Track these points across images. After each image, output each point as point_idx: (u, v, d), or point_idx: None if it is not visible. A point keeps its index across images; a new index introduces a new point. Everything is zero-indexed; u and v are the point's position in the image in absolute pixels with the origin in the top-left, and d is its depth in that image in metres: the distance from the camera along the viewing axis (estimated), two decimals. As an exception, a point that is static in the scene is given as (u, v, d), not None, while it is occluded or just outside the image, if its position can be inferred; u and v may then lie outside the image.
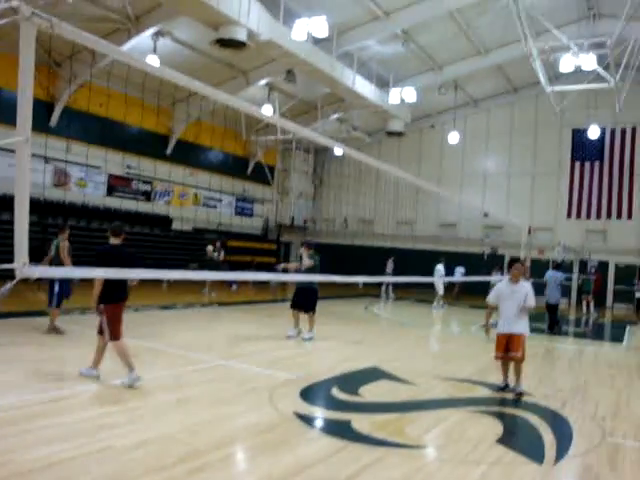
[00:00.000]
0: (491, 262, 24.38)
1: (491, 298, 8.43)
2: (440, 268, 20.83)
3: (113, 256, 7.16)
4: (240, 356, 9.55)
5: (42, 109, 21.48)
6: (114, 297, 7.08)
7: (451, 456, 5.41)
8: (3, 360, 7.91)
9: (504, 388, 8.05)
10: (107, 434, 5.25)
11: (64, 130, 22.47)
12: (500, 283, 8.46)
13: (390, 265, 23.41)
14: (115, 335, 7.10)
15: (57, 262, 10.06)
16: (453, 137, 29.82)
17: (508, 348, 7.88)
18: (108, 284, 6.88)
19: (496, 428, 6.28)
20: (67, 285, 10.36)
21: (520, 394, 7.79)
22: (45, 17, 2.40)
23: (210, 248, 21.02)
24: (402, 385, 8.19)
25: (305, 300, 11.74)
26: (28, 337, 9.83)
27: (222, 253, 21.43)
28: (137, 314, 14.14)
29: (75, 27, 2.70)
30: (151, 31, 20.15)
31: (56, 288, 10.14)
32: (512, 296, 7.99)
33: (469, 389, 8.23)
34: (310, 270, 11.33)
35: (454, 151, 31.41)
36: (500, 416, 6.81)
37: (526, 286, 8.15)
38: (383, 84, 26.70)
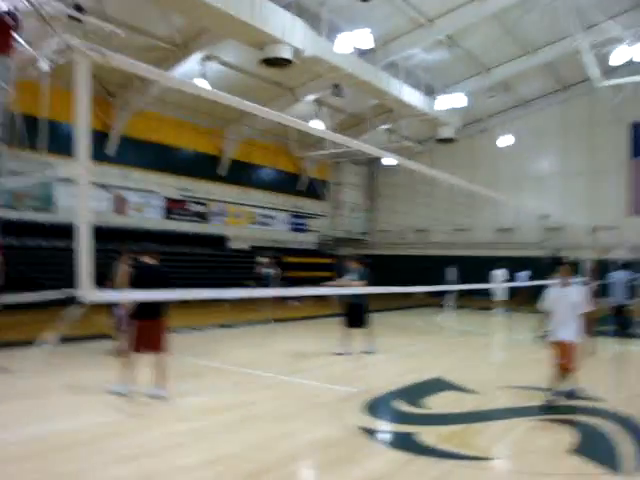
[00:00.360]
0: (552, 265, 23.72)
1: (543, 303, 7.89)
2: (499, 273, 20.41)
3: (149, 275, 7.66)
4: (301, 372, 9.56)
5: (99, 138, 22.23)
6: (143, 313, 7.41)
7: (523, 467, 5.25)
8: (72, 383, 8.13)
9: (571, 393, 7.76)
10: (175, 454, 5.33)
11: (120, 158, 23.16)
12: (552, 287, 7.89)
13: (452, 273, 23.10)
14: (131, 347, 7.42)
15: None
16: (505, 140, 29.30)
17: (564, 357, 7.41)
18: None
19: (568, 437, 6.06)
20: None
21: (572, 393, 7.69)
22: (99, 50, 2.47)
23: (261, 260, 20.54)
24: (467, 395, 8.03)
25: (356, 317, 11.41)
26: (95, 359, 10.10)
27: (276, 269, 21.23)
28: (198, 334, 14.38)
29: (127, 57, 2.78)
30: (198, 56, 20.63)
31: (119, 312, 10.32)
32: (562, 300, 7.51)
33: (536, 397, 7.99)
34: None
35: (507, 154, 30.82)
36: (572, 424, 6.56)
37: (579, 289, 7.73)
38: (431, 91, 26.51)
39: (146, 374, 7.35)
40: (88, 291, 2.45)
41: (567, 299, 7.43)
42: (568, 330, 7.39)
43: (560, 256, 27.19)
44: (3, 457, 5.03)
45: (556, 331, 7.48)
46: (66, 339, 9.77)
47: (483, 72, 26.21)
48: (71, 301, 7.60)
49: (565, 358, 7.33)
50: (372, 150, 4.50)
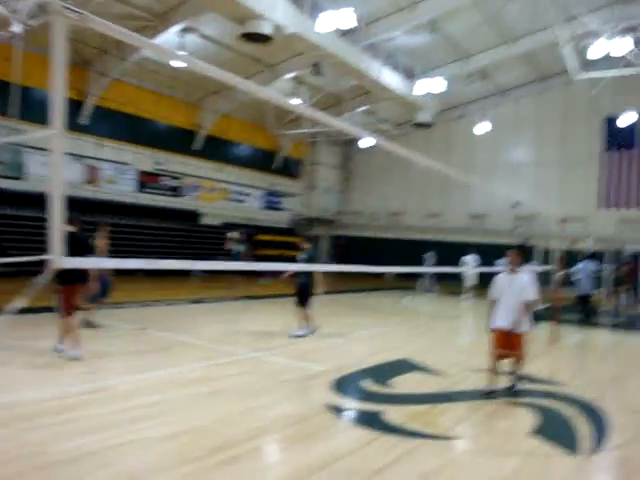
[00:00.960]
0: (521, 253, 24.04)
1: (492, 292, 7.37)
2: (469, 260, 20.66)
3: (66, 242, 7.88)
4: (270, 349, 9.59)
5: (72, 107, 21.79)
6: (70, 279, 7.72)
7: (484, 447, 5.37)
8: (37, 353, 8.05)
9: (490, 394, 7.04)
10: (140, 425, 5.32)
11: (94, 128, 22.77)
12: (500, 274, 7.41)
13: (430, 258, 23.30)
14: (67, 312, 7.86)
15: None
16: (481, 127, 29.49)
17: (507, 347, 7.04)
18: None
19: (529, 419, 6.20)
20: (105, 283, 10.61)
21: (512, 389, 7.24)
22: (76, 10, 2.42)
23: (231, 236, 19.50)
24: (433, 377, 8.15)
25: (300, 295, 11.30)
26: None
27: (246, 246, 20.85)
28: (168, 308, 14.32)
29: (105, 21, 2.72)
30: (177, 27, 20.29)
31: (104, 282, 10.50)
32: (510, 288, 7.09)
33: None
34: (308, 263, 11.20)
35: (483, 142, 31.04)
36: (533, 407, 6.71)
37: (525, 277, 7.25)
38: (410, 75, 26.48)
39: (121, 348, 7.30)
40: (59, 257, 2.42)
41: (514, 286, 7.06)
42: (512, 318, 6.97)
43: (528, 244, 27.66)
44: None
45: (500, 318, 7.08)
46: (32, 309, 9.68)
47: (463, 58, 26.26)
48: (40, 269, 7.55)
49: (519, 349, 7.03)
50: (353, 130, 4.50)
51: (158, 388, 6.67)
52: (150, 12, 19.61)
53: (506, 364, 7.31)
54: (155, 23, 19.84)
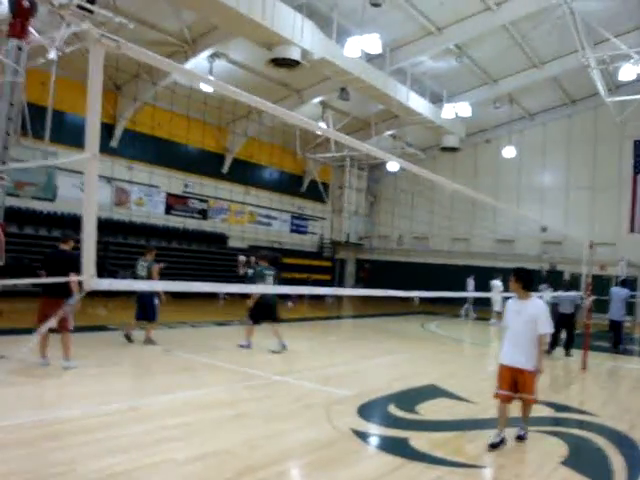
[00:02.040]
0: (549, 279, 23.76)
1: (504, 318, 6.53)
2: (498, 284, 20.43)
3: (56, 259, 8.57)
4: (295, 372, 9.56)
5: (103, 131, 22.20)
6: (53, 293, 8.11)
7: (513, 477, 5.24)
8: (63, 372, 8.12)
9: (498, 444, 5.94)
10: (166, 447, 5.32)
11: (124, 151, 23.17)
12: (510, 300, 6.44)
13: (471, 284, 23.04)
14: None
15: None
16: (509, 152, 29.36)
17: (516, 387, 6.05)
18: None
19: (560, 449, 6.06)
20: (151, 305, 11.12)
21: (522, 437, 6.20)
22: (112, 38, 2.48)
23: (242, 259, 17.01)
24: (460, 403, 8.03)
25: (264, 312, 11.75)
26: (93, 350, 10.09)
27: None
28: (193, 329, 14.38)
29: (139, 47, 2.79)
30: (207, 53, 20.69)
31: (155, 302, 11.01)
32: (519, 316, 6.11)
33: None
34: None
35: (510, 166, 30.87)
36: (564, 437, 6.56)
37: (538, 304, 6.21)
38: (437, 100, 26.56)
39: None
40: (91, 278, 2.46)
41: (523, 315, 6.07)
42: (530, 354, 5.99)
43: (556, 269, 27.26)
44: (-5, 443, 5.03)
45: (513, 353, 6.07)
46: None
47: (490, 83, 26.29)
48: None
49: (532, 391, 6.04)
50: (380, 154, 4.51)
51: (183, 410, 6.68)
52: (180, 38, 20.03)
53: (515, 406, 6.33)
54: (185, 49, 20.25)
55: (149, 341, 11.13)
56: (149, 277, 10.96)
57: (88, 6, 14.84)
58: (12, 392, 6.61)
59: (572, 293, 12.88)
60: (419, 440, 6.05)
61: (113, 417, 6.18)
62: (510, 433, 6.20)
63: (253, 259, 16.88)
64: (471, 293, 22.02)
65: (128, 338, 11.11)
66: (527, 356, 5.97)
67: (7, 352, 8.31)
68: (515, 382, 6.04)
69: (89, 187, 2.48)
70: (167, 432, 5.78)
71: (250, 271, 12.60)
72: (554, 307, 12.79)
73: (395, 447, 5.84)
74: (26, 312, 11.13)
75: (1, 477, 4.25)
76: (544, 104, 29.88)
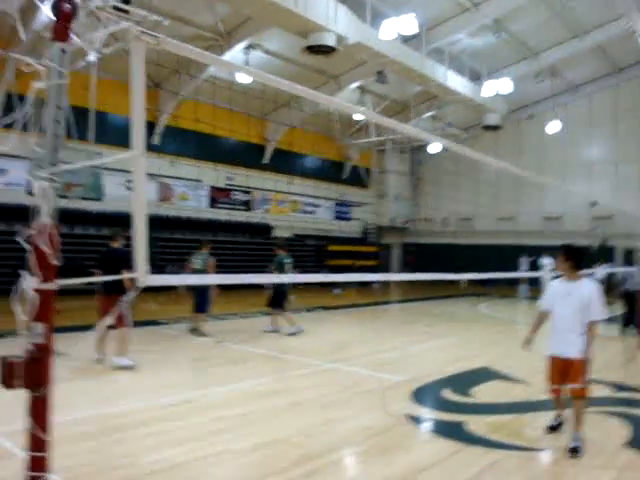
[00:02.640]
0: (600, 254, 23.14)
1: (542, 301, 5.85)
2: (547, 263, 20.01)
3: (109, 257, 8.79)
4: (348, 359, 9.56)
5: (147, 128, 22.54)
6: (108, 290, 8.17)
7: (575, 460, 5.12)
8: (119, 368, 8.31)
9: (557, 427, 5.73)
10: (224, 438, 5.39)
11: (165, 147, 23.48)
12: (555, 281, 5.72)
13: (525, 263, 22.65)
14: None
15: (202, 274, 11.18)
16: (553, 126, 28.63)
17: (563, 379, 5.44)
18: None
19: (623, 430, 5.90)
20: (206, 296, 11.55)
21: (575, 450, 5.15)
22: (152, 34, 2.49)
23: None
24: (516, 385, 7.90)
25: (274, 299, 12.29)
26: (147, 345, 10.30)
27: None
28: (243, 320, 14.53)
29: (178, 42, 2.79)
30: (242, 45, 20.72)
31: (209, 294, 11.42)
32: (567, 299, 5.40)
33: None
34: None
35: (555, 141, 30.07)
36: (626, 417, 6.38)
37: (590, 286, 5.42)
38: (476, 77, 26.05)
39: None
40: (145, 276, 2.48)
41: (572, 298, 5.36)
42: (577, 342, 5.32)
43: (607, 245, 26.50)
44: (58, 437, 5.15)
45: (560, 342, 5.46)
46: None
47: (530, 56, 25.61)
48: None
49: (578, 380, 5.31)
50: (423, 135, 4.43)
51: (238, 400, 6.75)
52: (215, 32, 20.12)
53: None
54: (220, 42, 20.33)
55: (197, 332, 11.44)
56: (206, 270, 11.29)
57: (124, 6, 15.06)
58: (73, 388, 6.78)
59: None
60: (475, 424, 5.98)
61: (170, 409, 6.29)
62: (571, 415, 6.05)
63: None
64: (523, 273, 21.66)
65: (196, 332, 11.49)
66: (577, 345, 5.28)
67: (67, 349, 8.54)
68: (563, 375, 5.43)
69: (138, 183, 2.50)
70: (224, 423, 5.86)
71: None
72: (614, 284, 12.45)
73: (451, 431, 5.78)
74: (81, 310, 11.44)
75: (65, 471, 4.35)
76: (588, 75, 28.98)
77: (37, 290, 2.51)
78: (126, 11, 14.85)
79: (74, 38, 2.68)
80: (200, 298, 11.35)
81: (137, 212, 2.49)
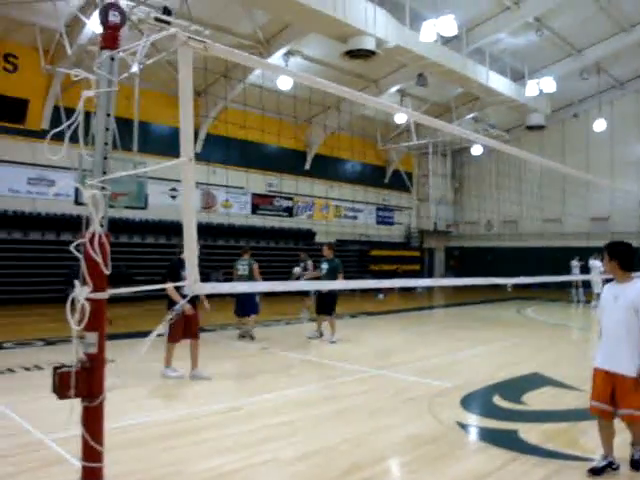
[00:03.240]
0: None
1: (598, 307, 5.20)
2: (597, 264, 19.48)
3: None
4: (394, 365, 9.43)
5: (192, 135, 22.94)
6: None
7: (636, 472, 4.90)
8: (165, 376, 8.37)
9: (603, 469, 4.67)
10: (271, 446, 5.35)
11: (207, 155, 23.73)
12: (608, 284, 4.97)
13: (576, 265, 22.13)
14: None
15: (249, 280, 11.35)
16: (599, 125, 27.93)
17: (614, 398, 4.60)
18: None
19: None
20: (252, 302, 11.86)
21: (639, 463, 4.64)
22: (199, 39, 2.46)
23: (297, 270, 15.43)
24: (568, 392, 7.66)
25: (324, 305, 12.01)
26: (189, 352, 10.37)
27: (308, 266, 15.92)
28: (288, 327, 14.51)
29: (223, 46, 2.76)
30: (282, 52, 20.84)
31: (256, 299, 11.77)
32: (616, 304, 4.69)
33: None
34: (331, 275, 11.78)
35: (601, 140, 29.32)
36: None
37: (638, 288, 4.63)
38: (518, 77, 25.63)
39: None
40: (195, 284, 2.45)
41: (621, 302, 4.65)
42: (622, 354, 4.56)
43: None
44: (108, 444, 5.17)
45: (601, 353, 4.77)
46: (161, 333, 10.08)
47: (574, 54, 25.08)
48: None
49: (614, 400, 4.58)
50: (470, 136, 4.33)
51: (285, 408, 6.71)
52: (255, 40, 20.28)
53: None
54: (260, 50, 20.47)
55: (247, 335, 11.64)
56: (251, 275, 11.54)
57: (165, 18, 15.31)
58: (122, 395, 6.84)
59: None
60: (529, 432, 5.80)
61: (218, 417, 6.29)
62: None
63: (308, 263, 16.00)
64: (573, 276, 21.15)
65: (246, 336, 11.71)
66: (629, 357, 4.50)
67: (117, 357, 8.65)
68: (610, 392, 4.60)
69: (187, 190, 2.47)
70: (271, 431, 5.81)
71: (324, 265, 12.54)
72: None
73: (504, 440, 5.62)
74: (128, 318, 11.61)
75: (114, 477, 4.37)
76: (636, 70, 28.16)
77: (89, 299, 2.50)
78: (167, 22, 15.10)
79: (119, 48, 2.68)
80: (247, 302, 11.52)
81: (186, 219, 2.47)
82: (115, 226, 20.95)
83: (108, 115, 2.56)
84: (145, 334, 2.84)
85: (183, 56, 2.42)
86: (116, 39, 2.56)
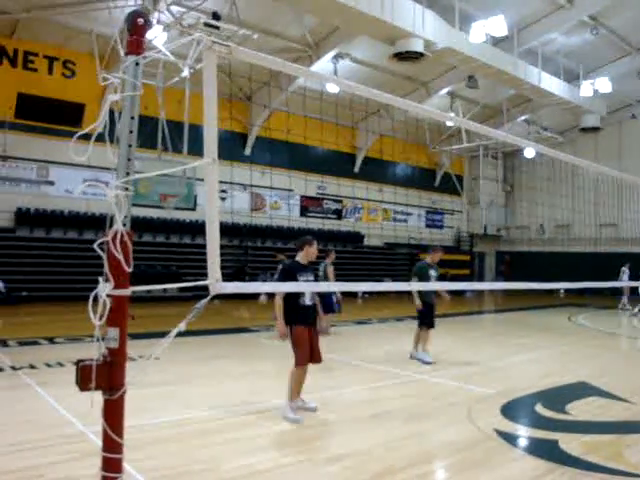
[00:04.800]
0: None
1: None
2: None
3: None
4: (436, 370, 9.32)
5: (238, 140, 23.24)
6: (298, 318, 6.46)
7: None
8: (217, 373, 8.49)
9: None
10: (306, 447, 5.36)
11: (257, 158, 24.01)
12: None
13: (626, 273, 21.44)
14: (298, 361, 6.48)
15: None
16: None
17: None
18: (289, 304, 6.41)
19: None
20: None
21: None
22: (224, 44, 2.50)
23: (280, 257, 14.30)
24: (616, 403, 7.40)
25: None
26: (234, 351, 10.51)
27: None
28: (332, 329, 14.51)
29: (250, 50, 2.79)
30: (330, 55, 20.91)
31: (333, 298, 12.14)
32: None
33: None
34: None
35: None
36: None
37: None
38: (573, 78, 24.99)
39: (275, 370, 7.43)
40: (217, 282, 2.49)
41: None
42: None
43: None
44: (144, 439, 5.30)
45: None
46: (196, 332, 10.27)
47: (632, 53, 24.30)
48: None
49: None
50: (520, 141, 4.25)
51: (323, 409, 6.70)
52: (304, 43, 20.42)
53: None
54: (309, 53, 20.62)
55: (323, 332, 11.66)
56: (325, 277, 12.08)
57: (214, 22, 15.58)
58: (158, 392, 6.99)
59: None
60: (570, 443, 5.63)
61: (253, 416, 6.34)
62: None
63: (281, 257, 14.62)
64: (624, 283, 20.46)
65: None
66: None
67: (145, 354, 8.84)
68: None
69: (210, 191, 2.51)
70: (306, 432, 5.83)
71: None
72: None
73: (544, 450, 5.47)
74: (157, 317, 11.86)
75: (149, 471, 4.47)
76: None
77: (110, 296, 2.58)
78: (217, 27, 15.36)
79: (168, 54, 2.75)
80: (326, 300, 11.42)
81: (209, 219, 2.51)
82: (166, 227, 21.46)
83: (132, 118, 2.62)
84: (193, 333, 2.91)
85: (207, 60, 2.47)
86: (141, 44, 2.63)
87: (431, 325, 10.18)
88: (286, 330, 6.42)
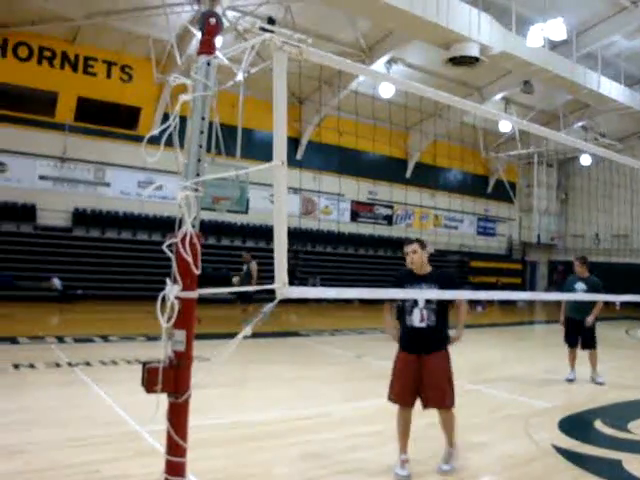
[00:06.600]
0: None
1: None
2: None
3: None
4: (490, 381, 9.12)
5: (289, 144, 23.35)
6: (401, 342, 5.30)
7: None
8: (269, 377, 8.51)
9: None
10: (358, 455, 5.29)
11: (309, 162, 24.06)
12: None
13: None
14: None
15: None
16: None
17: None
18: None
19: None
20: None
21: None
22: (294, 44, 2.47)
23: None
24: (683, 421, 7.08)
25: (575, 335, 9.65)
26: (285, 355, 10.52)
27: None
28: (383, 336, 14.37)
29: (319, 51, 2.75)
30: (384, 59, 20.83)
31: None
32: None
33: None
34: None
35: None
36: None
37: None
38: (634, 82, 24.22)
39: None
40: (284, 288, 2.46)
41: None
42: None
43: None
44: (197, 440, 5.31)
45: None
46: (263, 334, 10.28)
47: (700, 56, 23.37)
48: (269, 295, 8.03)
49: None
50: (583, 146, 4.10)
51: (376, 417, 6.61)
52: (357, 47, 20.40)
53: None
54: (363, 57, 20.58)
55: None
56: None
57: (269, 27, 15.70)
58: (215, 393, 7.02)
59: None
60: (634, 463, 5.39)
61: (306, 422, 6.30)
62: None
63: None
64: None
65: None
66: None
67: (210, 356, 8.91)
68: None
69: (279, 194, 2.48)
70: (359, 440, 5.76)
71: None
72: None
73: (605, 469, 5.25)
74: (222, 319, 11.93)
75: (202, 473, 4.47)
76: None
77: (179, 298, 2.57)
78: (272, 31, 15.49)
79: (223, 59, 2.74)
80: None
81: (278, 222, 2.48)
82: (217, 229, 21.71)
83: (203, 118, 2.62)
84: (253, 335, 2.89)
85: (278, 60, 2.44)
86: (213, 45, 2.63)
87: (567, 343, 9.70)
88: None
